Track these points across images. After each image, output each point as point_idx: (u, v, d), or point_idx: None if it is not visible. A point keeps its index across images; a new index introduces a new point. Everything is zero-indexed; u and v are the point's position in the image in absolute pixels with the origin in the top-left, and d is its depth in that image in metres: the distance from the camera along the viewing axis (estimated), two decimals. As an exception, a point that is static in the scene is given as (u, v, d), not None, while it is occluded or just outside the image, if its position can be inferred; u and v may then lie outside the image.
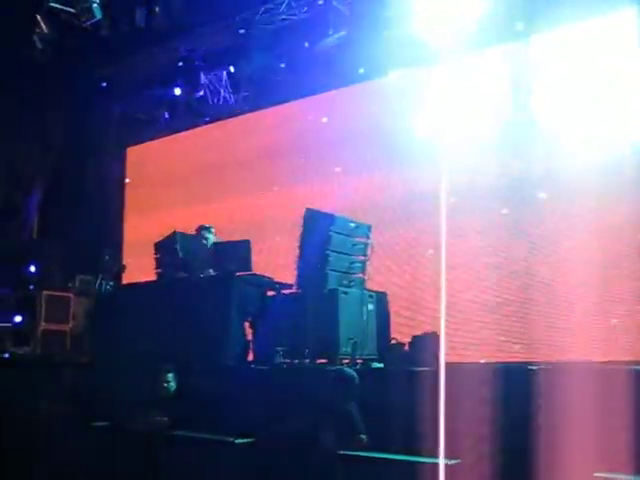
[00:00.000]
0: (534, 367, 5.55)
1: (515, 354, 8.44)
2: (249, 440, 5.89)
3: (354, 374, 5.87)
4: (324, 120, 10.87)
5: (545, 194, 8.77)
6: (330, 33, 10.13)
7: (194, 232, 8.52)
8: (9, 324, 10.21)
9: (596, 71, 8.52)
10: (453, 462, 4.91)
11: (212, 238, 8.44)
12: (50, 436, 6.82)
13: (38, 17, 10.38)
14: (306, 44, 10.37)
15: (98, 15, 9.94)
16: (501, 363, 7.47)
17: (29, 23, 10.66)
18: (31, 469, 6.78)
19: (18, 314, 10.16)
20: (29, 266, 11.25)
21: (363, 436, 5.49)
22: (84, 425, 6.56)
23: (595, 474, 4.46)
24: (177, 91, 11.49)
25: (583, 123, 8.60)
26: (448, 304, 8.39)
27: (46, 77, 10.78)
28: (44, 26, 10.42)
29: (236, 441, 5.87)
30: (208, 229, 8.50)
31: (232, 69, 11.05)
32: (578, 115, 8.68)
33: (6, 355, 9.86)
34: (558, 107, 8.86)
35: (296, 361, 7.25)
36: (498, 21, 9.11)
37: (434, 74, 9.74)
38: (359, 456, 5.29)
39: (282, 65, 10.86)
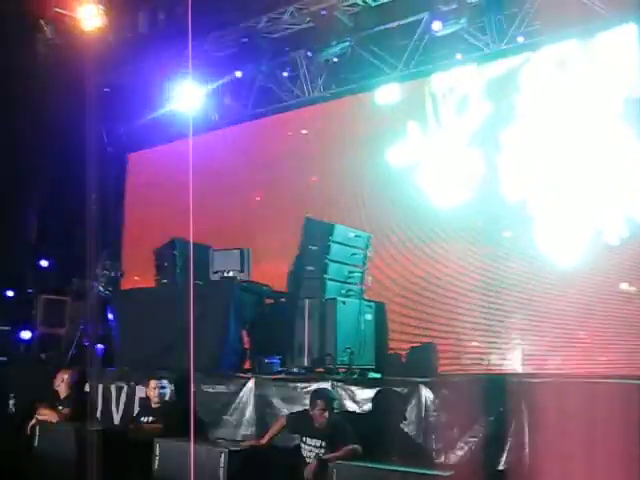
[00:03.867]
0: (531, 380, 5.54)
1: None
2: (242, 449, 5.87)
3: (331, 394, 5.88)
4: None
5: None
6: (333, 44, 10.15)
7: None
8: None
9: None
10: (447, 474, 4.88)
11: None
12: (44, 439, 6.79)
13: (42, 22, 10.41)
14: (309, 54, 10.38)
15: (102, 21, 9.96)
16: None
17: (33, 28, 10.69)
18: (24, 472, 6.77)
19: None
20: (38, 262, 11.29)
21: (356, 446, 5.47)
22: (79, 429, 6.51)
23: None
24: (178, 100, 11.48)
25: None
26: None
27: (48, 81, 10.78)
28: (48, 31, 10.45)
29: (230, 449, 5.83)
30: None
31: (235, 76, 11.02)
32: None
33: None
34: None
35: (293, 369, 7.24)
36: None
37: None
38: (352, 465, 5.26)
39: (285, 74, 10.87)
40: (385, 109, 10.26)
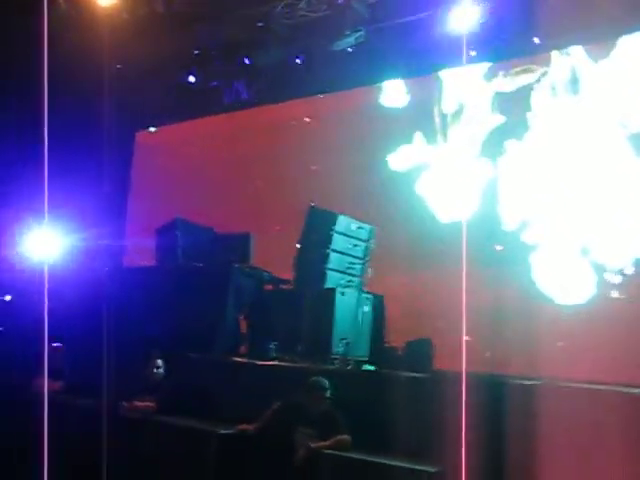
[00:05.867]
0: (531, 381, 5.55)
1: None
2: (233, 432, 5.89)
3: (325, 384, 5.85)
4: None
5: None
6: (348, 33, 10.10)
7: None
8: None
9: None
10: (435, 470, 4.90)
11: None
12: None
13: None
14: (324, 42, 10.33)
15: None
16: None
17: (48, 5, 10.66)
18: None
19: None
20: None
21: (346, 437, 5.49)
22: (70, 404, 6.55)
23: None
24: (191, 78, 11.45)
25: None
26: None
27: (58, 58, 10.75)
28: (62, 7, 10.40)
29: (220, 432, 5.86)
30: None
31: (247, 61, 10.98)
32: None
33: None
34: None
35: (288, 357, 7.25)
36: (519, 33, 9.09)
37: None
38: (342, 456, 5.28)
39: (298, 61, 10.82)
40: (393, 110, 10.27)
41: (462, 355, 5.30)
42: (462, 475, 4.77)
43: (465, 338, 7.07)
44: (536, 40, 8.96)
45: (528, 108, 9.05)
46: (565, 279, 8.28)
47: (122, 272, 9.75)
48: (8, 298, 10.09)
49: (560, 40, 8.82)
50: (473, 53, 9.29)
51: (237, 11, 10.34)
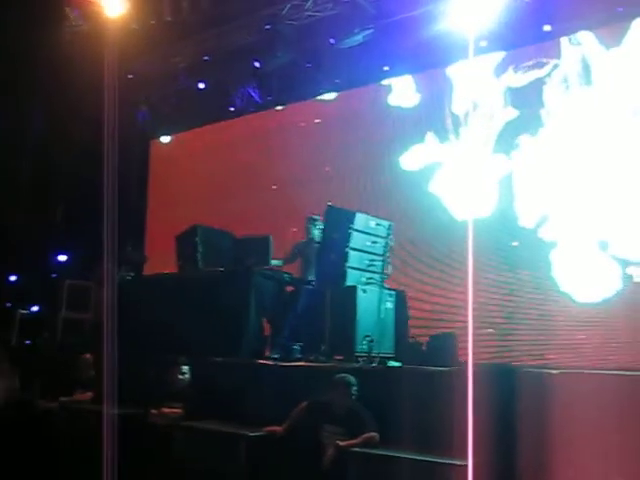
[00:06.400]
0: (553, 371, 5.52)
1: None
2: (262, 435, 5.92)
3: (351, 382, 5.86)
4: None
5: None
6: (355, 31, 10.11)
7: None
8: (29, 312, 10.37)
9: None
10: (463, 462, 4.89)
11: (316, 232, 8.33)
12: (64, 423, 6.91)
13: (67, 9, 10.49)
14: (331, 41, 10.35)
15: (126, 7, 10.00)
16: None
17: (59, 15, 10.77)
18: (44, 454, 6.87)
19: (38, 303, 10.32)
20: (56, 255, 11.39)
21: (374, 434, 5.50)
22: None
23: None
24: (201, 85, 11.53)
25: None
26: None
27: (73, 68, 10.86)
28: (73, 18, 10.52)
29: (249, 434, 5.89)
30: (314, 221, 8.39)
31: (257, 65, 11.02)
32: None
33: (27, 342, 10.01)
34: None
35: (313, 357, 7.27)
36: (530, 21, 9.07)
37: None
38: (370, 454, 5.29)
39: (307, 62, 10.85)
40: (403, 110, 10.29)
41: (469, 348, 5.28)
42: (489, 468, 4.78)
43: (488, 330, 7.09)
44: (546, 28, 8.95)
45: (541, 102, 9.01)
46: (585, 275, 8.24)
47: (144, 280, 9.84)
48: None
49: (570, 25, 8.78)
50: (483, 44, 9.29)
51: (244, 16, 10.41)
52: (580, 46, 8.89)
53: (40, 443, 7.17)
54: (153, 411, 6.60)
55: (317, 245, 8.27)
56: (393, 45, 9.89)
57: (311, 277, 8.17)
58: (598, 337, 7.98)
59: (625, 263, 8.07)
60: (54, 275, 11.01)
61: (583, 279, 8.22)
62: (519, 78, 9.26)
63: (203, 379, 6.86)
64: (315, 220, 8.35)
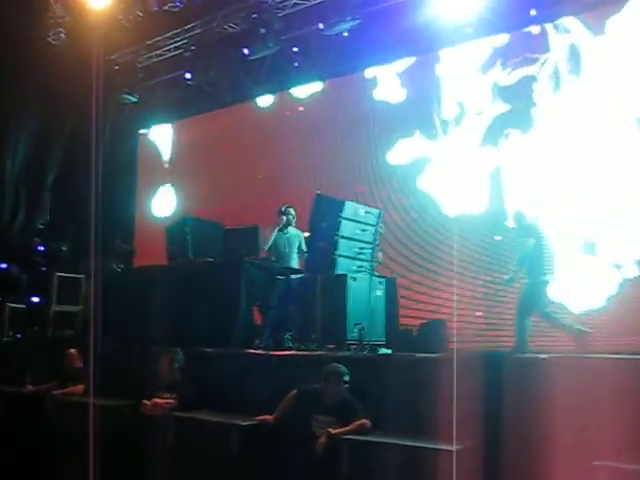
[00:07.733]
0: (543, 355, 5.54)
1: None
2: (253, 424, 5.92)
3: (342, 370, 5.85)
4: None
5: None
6: (344, 19, 10.07)
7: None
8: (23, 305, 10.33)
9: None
10: (458, 447, 4.91)
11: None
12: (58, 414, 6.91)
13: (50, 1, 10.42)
14: (319, 28, 10.30)
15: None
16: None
17: (43, 7, 10.70)
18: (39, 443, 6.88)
19: (32, 295, 10.27)
20: (46, 248, 11.36)
21: (366, 421, 5.51)
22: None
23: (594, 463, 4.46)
24: (188, 75, 11.49)
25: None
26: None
27: (59, 60, 10.79)
28: (57, 10, 10.44)
29: (241, 424, 5.90)
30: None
31: (246, 52, 10.94)
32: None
33: (18, 335, 9.98)
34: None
35: (304, 345, 7.28)
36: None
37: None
38: (362, 440, 5.30)
39: (295, 50, 10.80)
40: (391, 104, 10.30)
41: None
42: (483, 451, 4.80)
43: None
44: (533, 12, 8.94)
45: (530, 95, 9.01)
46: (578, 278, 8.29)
47: (134, 272, 9.82)
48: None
49: (556, 10, 8.77)
50: (469, 30, 9.29)
51: (231, 4, 10.35)
52: (568, 34, 8.88)
53: (31, 436, 7.20)
54: (145, 402, 6.59)
55: (288, 236, 8.32)
56: (380, 31, 9.84)
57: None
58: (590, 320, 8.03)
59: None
60: (44, 268, 10.94)
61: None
62: (508, 71, 9.25)
63: (195, 369, 6.86)
64: (287, 210, 8.37)
